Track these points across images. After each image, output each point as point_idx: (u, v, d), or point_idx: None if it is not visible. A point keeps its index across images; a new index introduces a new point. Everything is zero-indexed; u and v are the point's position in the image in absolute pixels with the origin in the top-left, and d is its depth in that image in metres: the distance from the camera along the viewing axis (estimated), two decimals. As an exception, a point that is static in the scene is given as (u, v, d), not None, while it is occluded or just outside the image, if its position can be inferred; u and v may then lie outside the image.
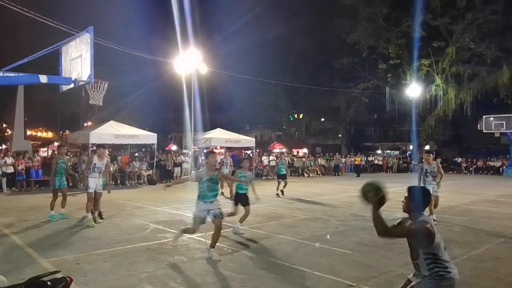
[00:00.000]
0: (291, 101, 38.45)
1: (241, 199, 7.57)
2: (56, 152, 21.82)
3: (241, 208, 7.54)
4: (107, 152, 9.37)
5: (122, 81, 27.23)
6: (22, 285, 2.54)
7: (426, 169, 9.03)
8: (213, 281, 4.88)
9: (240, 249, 6.29)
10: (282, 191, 13.66)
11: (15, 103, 19.93)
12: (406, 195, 3.22)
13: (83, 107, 32.31)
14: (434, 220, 8.23)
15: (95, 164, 8.54)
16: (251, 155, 25.24)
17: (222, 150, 22.80)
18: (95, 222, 8.33)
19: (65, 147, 10.31)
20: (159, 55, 24.52)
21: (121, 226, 8.23)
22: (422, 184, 8.74)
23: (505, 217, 9.70)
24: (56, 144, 31.32)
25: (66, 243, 6.74)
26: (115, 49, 18.37)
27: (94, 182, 8.49)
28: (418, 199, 3.17)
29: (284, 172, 14.39)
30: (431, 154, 9.43)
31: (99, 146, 9.58)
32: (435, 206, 8.86)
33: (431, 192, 8.43)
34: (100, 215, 8.84)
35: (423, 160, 10.02)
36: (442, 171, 9.33)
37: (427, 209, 8.23)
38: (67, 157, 9.31)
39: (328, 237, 6.97)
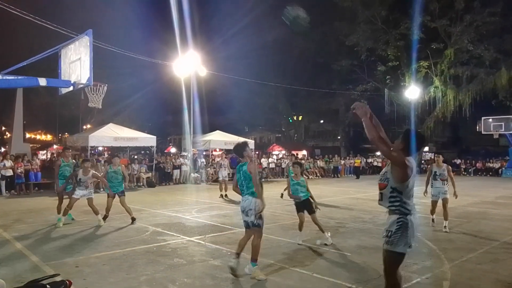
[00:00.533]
0: (290, 103, 38.47)
1: (303, 206, 6.97)
2: (56, 155, 21.82)
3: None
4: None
5: (121, 83, 27.30)
6: (21, 289, 2.55)
7: (435, 172, 8.30)
8: (212, 284, 4.88)
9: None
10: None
11: (14, 106, 19.96)
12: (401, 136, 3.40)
13: (82, 109, 32.33)
14: (444, 226, 7.99)
15: (80, 179, 8.77)
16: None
17: (220, 152, 22.84)
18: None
19: (70, 150, 10.26)
20: (158, 57, 24.60)
21: (121, 229, 8.22)
22: (430, 187, 8.35)
23: (505, 219, 9.70)
24: (55, 146, 31.40)
25: (65, 246, 6.73)
26: (114, 51, 18.43)
27: (82, 193, 8.76)
28: (411, 141, 3.32)
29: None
30: (440, 156, 8.64)
31: (84, 160, 9.64)
32: (445, 214, 8.06)
33: (439, 195, 8.20)
34: (105, 217, 8.83)
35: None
36: (452, 175, 8.44)
37: (441, 212, 8.07)
38: (73, 160, 9.29)
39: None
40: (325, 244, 6.77)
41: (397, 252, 3.26)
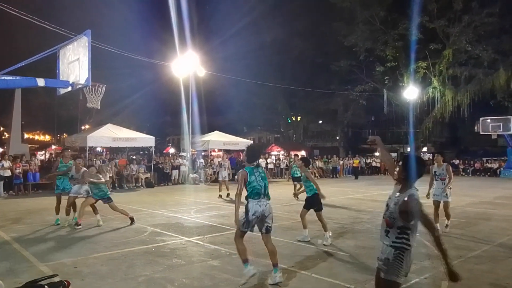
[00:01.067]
0: (289, 104, 38.49)
1: (310, 203, 7.08)
2: (55, 156, 21.79)
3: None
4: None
5: (119, 84, 27.28)
6: (20, 289, 2.54)
7: (435, 172, 8.08)
8: (211, 285, 4.88)
9: (238, 252, 6.27)
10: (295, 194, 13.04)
11: (13, 106, 19.93)
12: (400, 163, 3.29)
13: (81, 110, 32.29)
14: (446, 225, 7.94)
15: (72, 175, 8.83)
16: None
17: (220, 153, 22.83)
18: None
19: (70, 151, 10.18)
20: (157, 58, 24.57)
21: (119, 229, 8.21)
22: (432, 188, 8.12)
23: (503, 219, 9.72)
24: (54, 147, 31.34)
25: (63, 247, 6.72)
26: (113, 52, 18.38)
27: (77, 190, 8.81)
28: (411, 168, 3.20)
29: (299, 175, 13.15)
30: (439, 155, 8.36)
31: (76, 157, 9.64)
32: (447, 215, 8.00)
33: (440, 197, 7.99)
34: (98, 221, 8.79)
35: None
36: (452, 174, 8.18)
37: (442, 213, 7.93)
38: (72, 161, 9.31)
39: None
40: (324, 244, 6.78)
41: (398, 282, 3.08)
